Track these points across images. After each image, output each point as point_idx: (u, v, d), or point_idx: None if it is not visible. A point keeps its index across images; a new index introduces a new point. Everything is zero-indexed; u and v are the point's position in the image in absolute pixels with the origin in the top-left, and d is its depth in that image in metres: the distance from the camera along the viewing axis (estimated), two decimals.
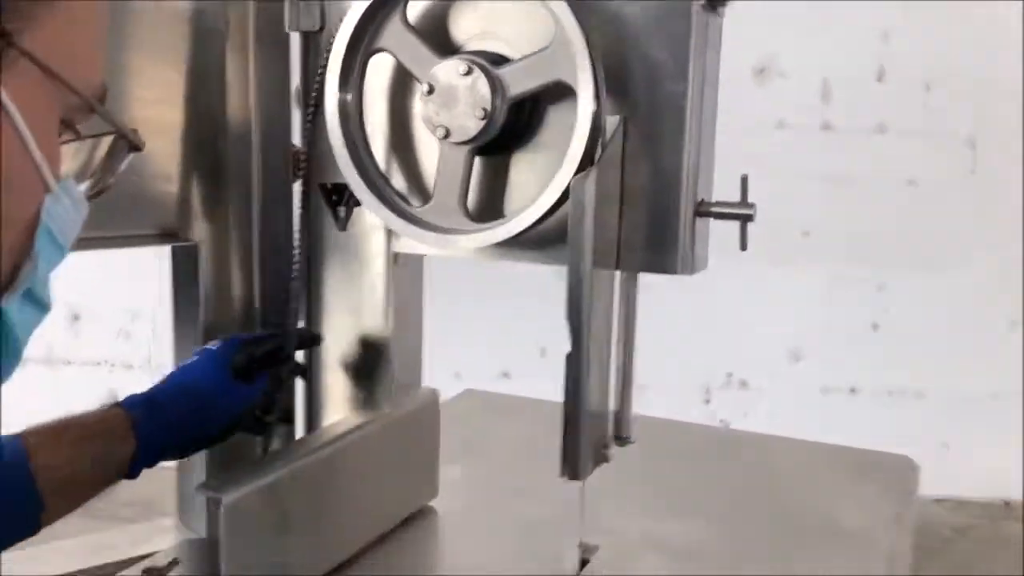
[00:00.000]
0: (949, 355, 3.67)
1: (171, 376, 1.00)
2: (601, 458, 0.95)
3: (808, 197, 3.63)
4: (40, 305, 0.47)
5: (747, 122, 3.60)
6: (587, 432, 0.87)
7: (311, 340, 1.09)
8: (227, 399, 0.98)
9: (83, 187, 0.50)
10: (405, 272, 1.10)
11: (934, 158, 3.59)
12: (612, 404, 0.97)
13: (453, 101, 0.90)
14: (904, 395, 3.78)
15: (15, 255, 0.44)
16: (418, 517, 1.14)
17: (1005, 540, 3.47)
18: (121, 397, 0.95)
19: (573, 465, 0.88)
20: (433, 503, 1.17)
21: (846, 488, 1.30)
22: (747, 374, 3.75)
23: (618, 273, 0.97)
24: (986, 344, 3.67)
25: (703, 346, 3.64)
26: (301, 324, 1.09)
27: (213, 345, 1.00)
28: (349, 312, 1.09)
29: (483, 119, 0.89)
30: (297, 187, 1.06)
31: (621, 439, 0.99)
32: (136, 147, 0.50)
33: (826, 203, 3.63)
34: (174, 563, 0.93)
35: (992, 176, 3.57)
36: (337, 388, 1.10)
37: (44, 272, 0.46)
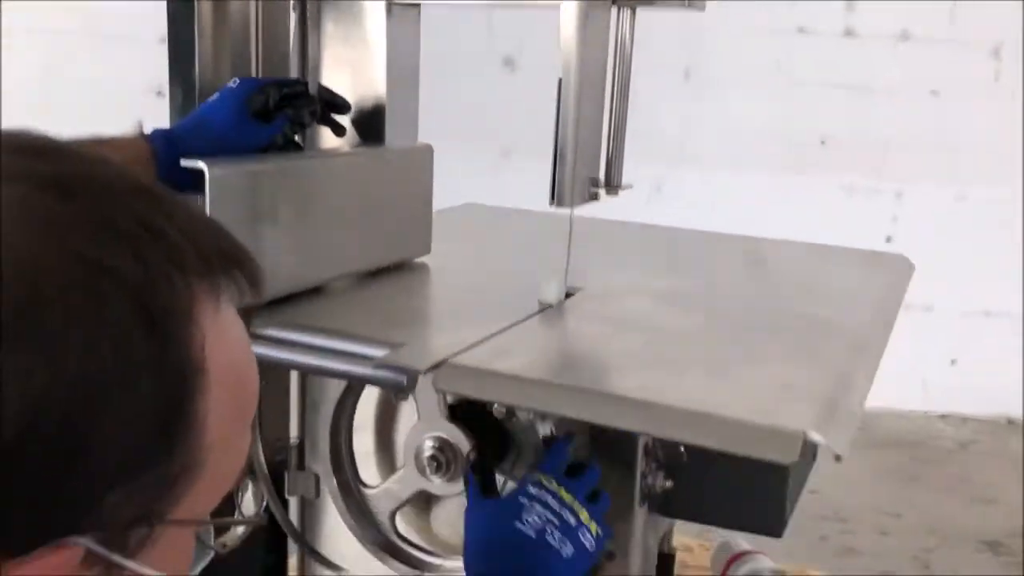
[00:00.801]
0: (961, 271, 3.64)
1: (192, 113, 1.00)
2: (591, 196, 0.95)
3: (827, 105, 3.59)
4: None
5: (769, 25, 3.56)
6: (574, 161, 0.87)
7: (339, 106, 1.08)
8: (242, 136, 0.98)
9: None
10: (402, 26, 1.09)
11: (958, 68, 3.53)
12: (604, 151, 0.96)
13: None
14: (913, 309, 3.75)
15: None
16: (408, 266, 1.14)
17: (1004, 454, 3.47)
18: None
19: (560, 192, 0.88)
20: (426, 260, 1.17)
21: (833, 282, 1.29)
22: None
23: (614, 10, 0.96)
24: (1000, 261, 3.63)
25: None
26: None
27: (233, 83, 1.00)
28: (347, 68, 1.08)
29: None
30: None
31: (611, 186, 0.99)
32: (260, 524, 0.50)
33: (845, 112, 3.58)
34: None
35: (1016, 87, 3.52)
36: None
37: None
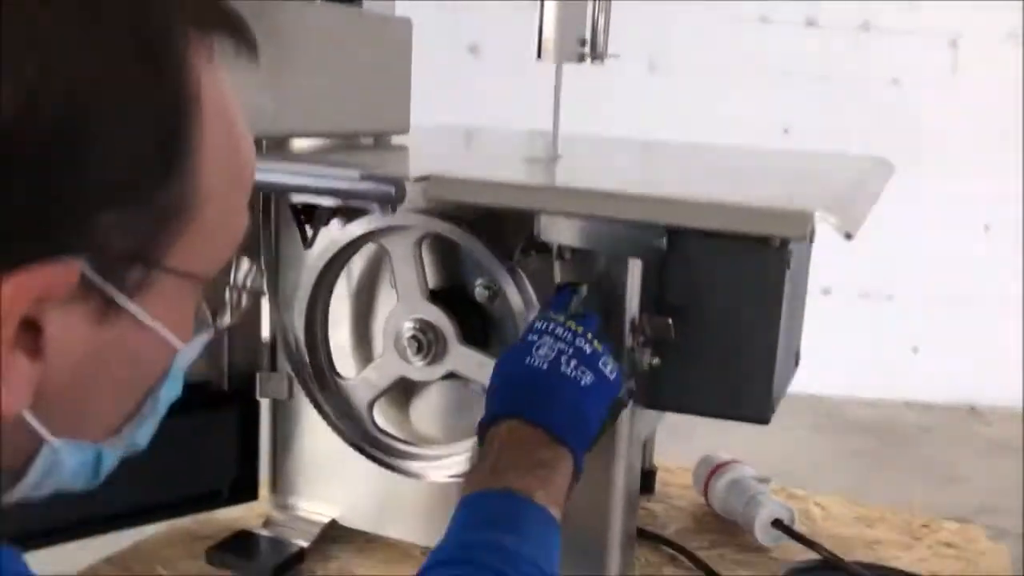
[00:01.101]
0: (923, 258, 3.69)
1: None
2: (577, 57, 0.93)
3: (790, 93, 3.63)
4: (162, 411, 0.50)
5: (731, 13, 3.60)
6: (561, 17, 0.85)
7: None
8: None
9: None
10: None
11: (916, 57, 3.60)
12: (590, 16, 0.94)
13: None
14: (875, 297, 3.79)
15: (142, 397, 0.48)
16: (387, 143, 1.10)
17: (968, 439, 3.50)
18: None
19: (545, 48, 0.87)
20: (405, 140, 1.13)
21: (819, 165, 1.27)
22: None
23: None
24: (960, 247, 3.68)
25: None
26: None
27: None
28: None
29: None
30: None
31: (596, 54, 0.97)
32: (261, 293, 0.50)
33: (808, 100, 3.62)
34: None
35: (972, 77, 3.59)
36: None
37: (166, 396, 0.49)
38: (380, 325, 0.99)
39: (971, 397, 3.75)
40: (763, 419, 0.98)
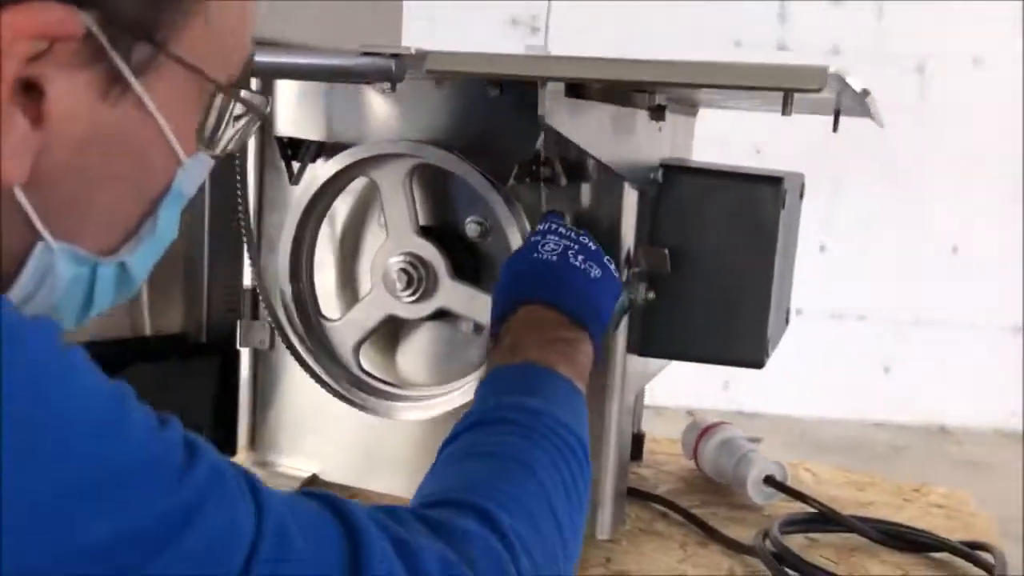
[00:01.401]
0: (893, 279, 3.72)
1: None
2: None
3: (761, 114, 3.67)
4: (132, 281, 0.48)
5: (704, 38, 3.64)
6: None
7: None
8: None
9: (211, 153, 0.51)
10: None
11: (885, 82, 3.65)
12: None
13: None
14: (847, 318, 3.81)
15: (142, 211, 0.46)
16: None
17: (939, 456, 3.51)
18: None
19: None
20: None
21: None
22: None
23: None
24: (929, 268, 3.72)
25: None
26: None
27: None
28: None
29: None
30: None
31: None
32: (264, 117, 0.51)
33: (780, 123, 3.66)
34: None
35: (939, 102, 3.65)
36: None
37: (166, 221, 0.47)
38: (367, 267, 0.96)
39: (941, 417, 3.76)
40: (758, 362, 0.97)
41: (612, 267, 0.79)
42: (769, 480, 1.05)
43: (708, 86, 0.67)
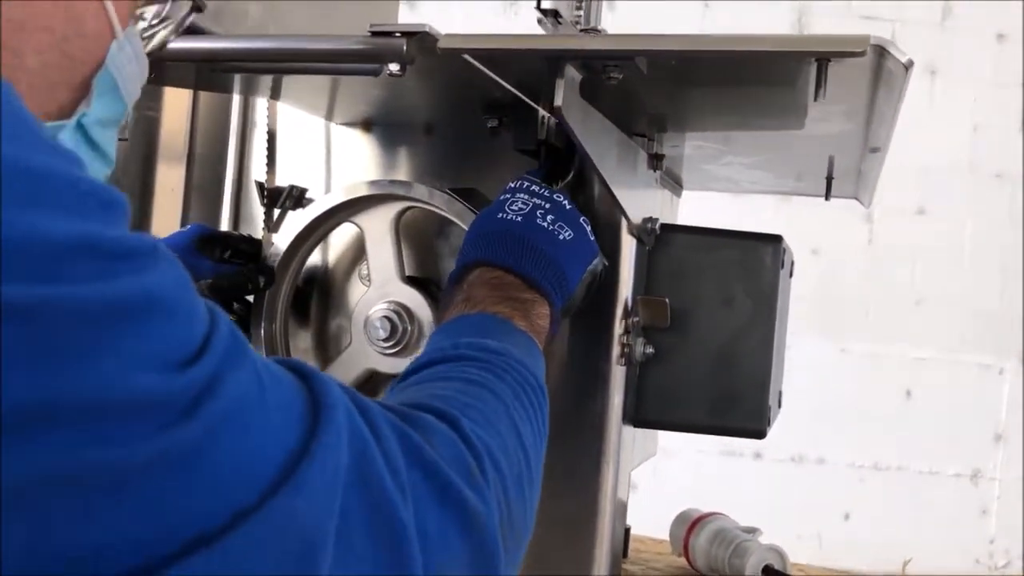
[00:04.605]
0: (849, 422, 3.70)
1: None
2: None
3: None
4: (101, 154, 0.46)
5: None
6: None
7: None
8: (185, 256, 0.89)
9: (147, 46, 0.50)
10: None
11: (834, 227, 3.75)
12: None
13: None
14: (806, 462, 3.76)
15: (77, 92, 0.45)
16: None
17: None
18: None
19: None
20: None
21: None
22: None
23: None
24: (883, 413, 3.71)
25: None
26: None
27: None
28: None
29: None
30: None
31: None
32: (199, 7, 0.51)
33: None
34: None
35: (885, 246, 3.75)
36: None
37: (99, 113, 0.45)
38: (345, 324, 0.90)
39: (902, 564, 3.67)
40: (759, 431, 0.92)
41: (588, 229, 0.75)
42: (768, 571, 0.97)
43: (729, 54, 0.60)
